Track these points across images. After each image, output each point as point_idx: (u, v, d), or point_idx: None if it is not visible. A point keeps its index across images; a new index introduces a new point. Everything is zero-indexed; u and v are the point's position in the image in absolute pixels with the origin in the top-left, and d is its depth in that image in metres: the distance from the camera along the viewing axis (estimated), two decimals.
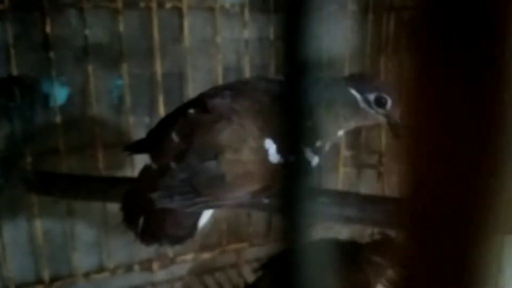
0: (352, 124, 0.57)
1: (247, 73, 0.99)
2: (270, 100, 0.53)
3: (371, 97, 0.54)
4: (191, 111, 0.54)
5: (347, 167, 1.15)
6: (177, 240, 0.55)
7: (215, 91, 0.56)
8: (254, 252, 1.10)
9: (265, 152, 0.51)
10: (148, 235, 0.54)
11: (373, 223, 0.59)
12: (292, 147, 0.50)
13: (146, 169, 0.54)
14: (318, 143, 0.54)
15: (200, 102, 0.55)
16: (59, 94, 0.86)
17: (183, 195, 0.50)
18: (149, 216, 0.53)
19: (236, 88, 0.55)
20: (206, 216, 0.55)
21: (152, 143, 0.56)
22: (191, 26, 0.93)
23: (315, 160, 0.54)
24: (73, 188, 0.67)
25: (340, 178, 1.14)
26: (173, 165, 0.51)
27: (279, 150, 0.51)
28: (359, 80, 0.55)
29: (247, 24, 0.97)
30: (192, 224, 0.55)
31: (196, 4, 0.94)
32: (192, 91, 0.94)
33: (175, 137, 0.53)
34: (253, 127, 0.51)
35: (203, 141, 0.51)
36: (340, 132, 0.57)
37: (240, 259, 1.10)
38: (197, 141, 0.51)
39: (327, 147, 0.56)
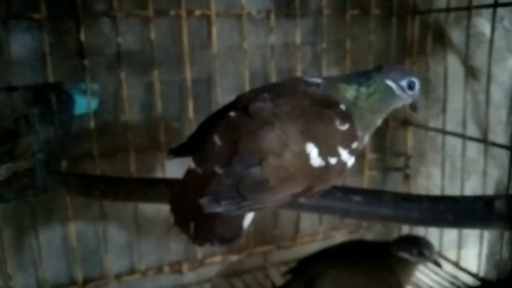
0: (388, 111, 0.60)
1: (273, 78, 1.00)
2: (310, 104, 0.54)
3: (404, 83, 0.58)
4: (232, 114, 0.55)
5: (372, 170, 1.16)
6: (226, 240, 0.56)
7: (254, 94, 0.57)
8: (281, 255, 1.11)
9: (306, 156, 0.52)
10: (200, 237, 0.56)
11: (408, 221, 0.60)
12: (331, 150, 0.52)
13: (190, 173, 0.56)
14: (354, 144, 0.55)
15: (239, 105, 0.56)
16: (83, 101, 0.88)
17: (229, 199, 0.51)
18: (198, 219, 0.54)
19: (275, 92, 0.56)
20: (249, 217, 0.56)
21: (194, 146, 0.57)
22: (219, 33, 0.95)
23: (351, 161, 0.55)
24: (112, 189, 0.68)
25: (365, 181, 1.14)
26: (218, 169, 0.53)
27: (320, 153, 0.53)
28: (390, 70, 0.59)
29: (273, 29, 0.99)
30: (238, 225, 0.56)
31: (224, 11, 0.96)
32: (220, 96, 0.96)
33: (217, 140, 0.54)
34: (295, 131, 0.52)
35: (247, 147, 0.52)
36: (379, 121, 0.60)
37: (267, 261, 1.11)
38: (241, 147, 0.52)
39: (366, 139, 0.59)
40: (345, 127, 0.54)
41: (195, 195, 0.53)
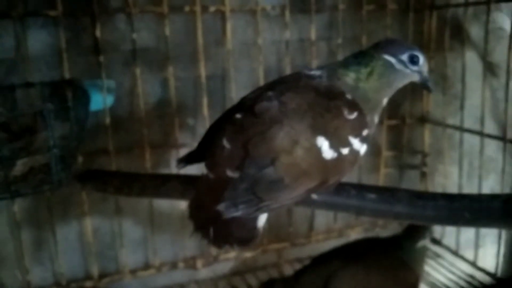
0: (393, 89, 0.58)
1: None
2: (316, 97, 0.54)
3: (405, 57, 0.57)
4: (238, 116, 0.54)
5: (389, 168, 1.14)
6: (244, 242, 0.55)
7: (257, 94, 0.56)
8: (295, 252, 1.10)
9: (318, 150, 0.52)
10: (220, 241, 0.55)
11: (423, 219, 0.59)
12: (342, 141, 0.52)
13: (204, 179, 0.55)
14: (365, 132, 0.54)
15: (244, 106, 0.56)
16: (99, 97, 0.88)
17: (246, 203, 0.51)
18: (216, 223, 0.54)
19: (279, 89, 0.55)
20: (263, 217, 0.56)
21: (204, 152, 0.57)
22: (234, 29, 0.95)
23: (363, 149, 0.55)
24: (126, 185, 0.69)
25: (381, 179, 1.13)
26: (229, 173, 0.52)
27: (331, 146, 0.52)
28: (389, 45, 0.58)
29: (287, 25, 0.98)
30: (252, 226, 0.55)
31: (238, 7, 0.95)
32: (234, 92, 0.96)
33: (226, 144, 0.53)
34: (304, 127, 0.52)
35: (258, 149, 0.51)
36: (385, 100, 0.58)
37: (281, 258, 1.10)
38: (252, 149, 0.51)
39: (376, 119, 0.58)
40: (353, 115, 0.54)
41: (210, 200, 0.53)
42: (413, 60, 0.57)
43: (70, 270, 0.95)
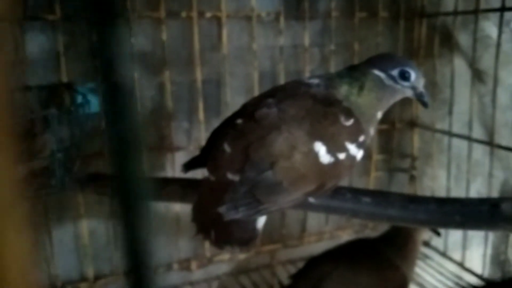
0: (385, 104, 0.59)
1: (282, 79, 1.02)
2: (313, 104, 0.56)
3: (395, 72, 0.57)
4: (239, 121, 0.57)
5: (379, 171, 1.17)
6: (244, 242, 0.58)
7: (258, 100, 0.59)
8: (288, 254, 1.12)
9: (315, 155, 0.54)
10: (221, 242, 0.58)
11: (415, 222, 0.61)
12: (339, 146, 0.54)
13: (205, 182, 0.57)
14: (361, 138, 0.56)
15: (246, 112, 0.58)
16: (95, 100, 0.89)
17: (247, 205, 0.53)
18: (218, 225, 0.56)
19: (278, 96, 0.57)
20: (262, 219, 0.58)
21: (207, 156, 0.59)
22: (229, 34, 0.97)
23: (360, 154, 0.57)
24: None
25: (371, 182, 1.15)
26: (230, 175, 0.54)
27: (328, 151, 0.54)
28: (380, 60, 0.58)
29: (282, 31, 1.00)
30: (252, 228, 0.58)
31: (234, 13, 0.97)
32: (229, 96, 0.97)
33: (227, 148, 0.55)
34: (301, 133, 0.54)
35: (258, 153, 0.53)
36: (379, 114, 0.60)
37: (274, 260, 1.12)
38: (252, 154, 0.54)
39: (371, 131, 0.59)
40: (350, 122, 0.56)
41: (212, 202, 0.55)
42: (404, 76, 0.57)
43: (65, 272, 0.96)
